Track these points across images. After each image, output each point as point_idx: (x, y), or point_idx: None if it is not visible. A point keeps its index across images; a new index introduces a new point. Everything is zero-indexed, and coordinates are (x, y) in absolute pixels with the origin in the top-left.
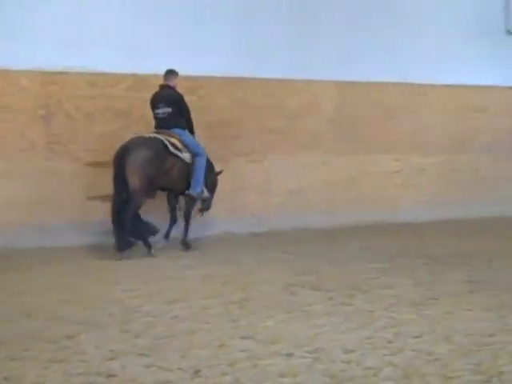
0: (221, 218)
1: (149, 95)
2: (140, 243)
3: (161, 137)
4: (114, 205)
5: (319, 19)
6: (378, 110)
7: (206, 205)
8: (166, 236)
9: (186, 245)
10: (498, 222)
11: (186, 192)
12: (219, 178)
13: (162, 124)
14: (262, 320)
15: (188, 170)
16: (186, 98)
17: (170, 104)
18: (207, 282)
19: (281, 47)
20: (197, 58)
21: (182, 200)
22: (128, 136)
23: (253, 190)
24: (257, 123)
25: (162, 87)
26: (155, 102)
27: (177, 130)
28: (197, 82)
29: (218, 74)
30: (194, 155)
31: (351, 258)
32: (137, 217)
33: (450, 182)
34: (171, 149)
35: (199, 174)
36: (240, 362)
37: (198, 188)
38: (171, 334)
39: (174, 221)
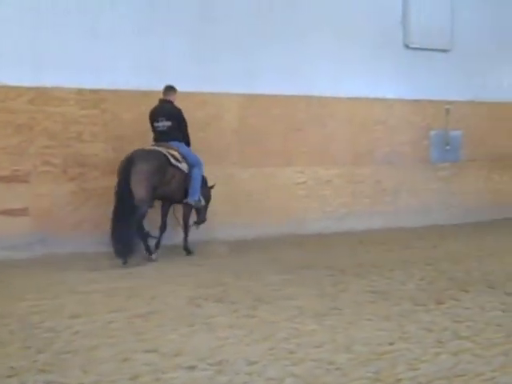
0: None
1: (52, 109)
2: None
3: (161, 149)
4: (116, 213)
5: (224, 32)
6: (284, 123)
7: (201, 217)
8: (157, 246)
9: (188, 250)
10: (398, 232)
11: (184, 200)
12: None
13: (161, 137)
14: (166, 333)
15: (185, 180)
16: (89, 112)
17: (170, 118)
18: (112, 296)
19: (186, 60)
20: (100, 71)
21: (179, 209)
22: (32, 150)
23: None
24: None
25: (162, 102)
26: (155, 116)
27: (175, 143)
28: (99, 95)
29: (121, 88)
30: (191, 166)
31: (256, 269)
32: (139, 225)
33: (354, 193)
34: (172, 160)
35: (196, 183)
36: (143, 376)
37: (195, 196)
38: (73, 349)
39: (164, 229)
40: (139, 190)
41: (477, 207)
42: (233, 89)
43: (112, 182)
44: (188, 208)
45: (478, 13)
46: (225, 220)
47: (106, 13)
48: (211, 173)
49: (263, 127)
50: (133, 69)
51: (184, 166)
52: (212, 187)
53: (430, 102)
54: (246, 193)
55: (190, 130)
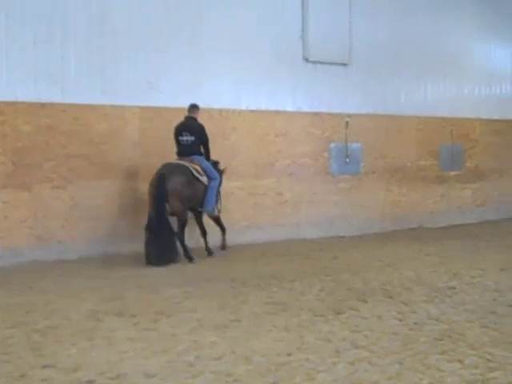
0: (28, 245)
1: None
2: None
3: (186, 164)
4: (151, 224)
5: (124, 44)
6: None
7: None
8: (208, 250)
9: (209, 251)
10: (299, 244)
11: (199, 209)
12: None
13: (185, 150)
14: (65, 348)
15: (205, 192)
16: None
17: (193, 133)
18: (11, 311)
19: (85, 72)
20: None
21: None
22: None
23: (59, 216)
24: (62, 149)
25: (187, 118)
26: (180, 131)
27: (196, 157)
28: None
29: (20, 99)
30: (209, 179)
31: (158, 282)
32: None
33: (256, 205)
34: (196, 174)
35: (211, 194)
36: None
37: (209, 206)
38: None
39: (204, 233)
40: (175, 202)
41: (377, 218)
42: (134, 101)
43: (11, 195)
44: (199, 215)
45: (376, 27)
46: (126, 234)
47: (1, 23)
48: (111, 187)
49: (165, 140)
50: (31, 80)
51: (204, 179)
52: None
53: (330, 114)
54: (147, 206)
55: (91, 142)
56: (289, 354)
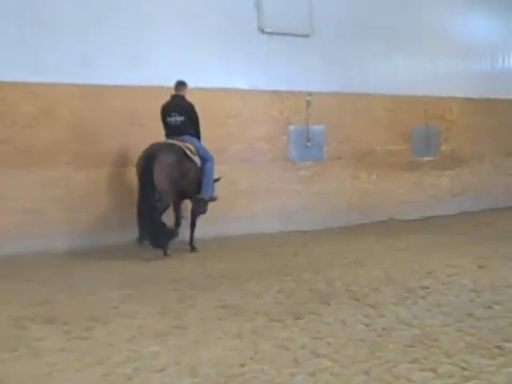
0: None
1: None
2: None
3: (178, 142)
4: (141, 206)
5: (55, 15)
6: (125, 117)
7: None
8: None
9: (192, 247)
10: (256, 239)
11: (198, 195)
12: None
13: (174, 131)
14: None
15: (198, 174)
16: None
17: (183, 113)
18: None
19: (12, 47)
20: None
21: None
22: None
23: None
24: None
25: (174, 97)
26: (168, 111)
27: (187, 137)
28: None
29: None
30: (204, 160)
31: (94, 284)
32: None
33: None
34: (188, 153)
35: (209, 177)
36: None
37: (208, 191)
38: None
39: (179, 224)
40: (161, 182)
41: (342, 210)
42: (66, 78)
43: None
44: (199, 203)
45: None
46: (60, 229)
47: None
48: (39, 174)
49: (102, 122)
50: None
51: (197, 160)
52: (217, 180)
53: (289, 92)
54: (82, 197)
55: (16, 125)
56: (241, 365)
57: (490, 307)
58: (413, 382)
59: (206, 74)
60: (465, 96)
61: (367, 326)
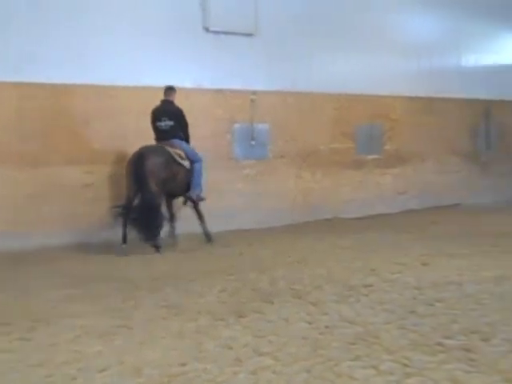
0: None
1: None
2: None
3: (165, 146)
4: (128, 204)
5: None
6: (69, 116)
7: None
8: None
9: (208, 236)
10: (198, 238)
11: (187, 194)
12: None
13: (163, 135)
14: None
15: (188, 175)
16: None
17: (172, 117)
18: None
19: None
20: None
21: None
22: None
23: None
24: None
25: (164, 102)
26: (158, 116)
27: (176, 141)
28: None
29: None
30: (192, 162)
31: (37, 283)
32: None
33: None
34: (176, 158)
35: (197, 178)
36: None
37: (197, 190)
38: None
39: (173, 219)
40: (150, 183)
41: (287, 209)
42: (8, 76)
43: None
44: (189, 200)
45: None
46: (2, 228)
47: None
48: None
49: (45, 121)
50: None
51: (186, 163)
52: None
53: (233, 91)
54: (25, 197)
55: None
56: (184, 364)
57: (432, 304)
58: (355, 380)
59: (151, 73)
60: (408, 95)
61: (310, 323)
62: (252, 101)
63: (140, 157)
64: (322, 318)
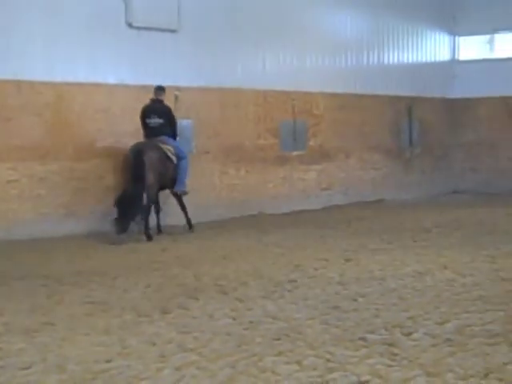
0: None
1: None
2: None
3: (157, 143)
4: (125, 195)
5: None
6: None
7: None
8: (158, 228)
9: (190, 225)
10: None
11: (174, 190)
12: None
13: (153, 132)
14: None
15: (175, 170)
16: None
17: (162, 115)
18: None
19: None
20: None
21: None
22: None
23: None
24: None
25: (153, 101)
26: (148, 113)
27: (165, 138)
28: None
29: None
30: (179, 158)
31: None
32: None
33: (75, 191)
34: (168, 153)
35: (183, 174)
36: None
37: (181, 186)
38: None
39: (158, 211)
40: (149, 176)
41: (211, 205)
42: None
43: None
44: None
45: None
46: None
47: None
48: None
49: None
50: None
51: (174, 159)
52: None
53: None
54: None
55: None
56: (108, 361)
57: (355, 300)
58: (278, 375)
59: (73, 68)
60: (332, 91)
61: (234, 319)
62: (176, 97)
63: (139, 152)
64: (247, 313)
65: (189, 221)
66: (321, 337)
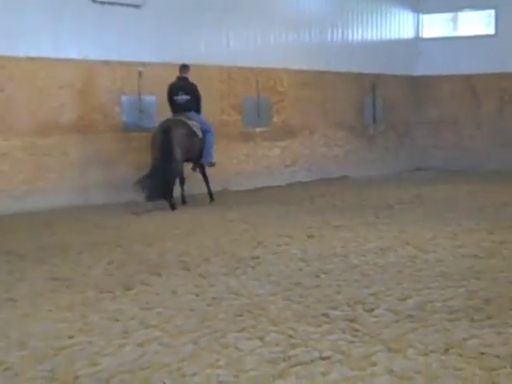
0: None
1: None
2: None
3: (184, 119)
4: (156, 169)
5: None
6: None
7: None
8: (183, 198)
9: (212, 196)
10: (89, 210)
11: (201, 161)
12: None
13: (181, 108)
14: None
15: (201, 144)
16: None
17: (188, 92)
18: None
19: None
20: None
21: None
22: None
23: None
24: None
25: (179, 79)
26: (175, 91)
27: (191, 113)
28: None
29: None
30: (205, 132)
31: None
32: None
33: (38, 167)
34: (194, 129)
35: (209, 147)
36: None
37: (209, 158)
38: None
39: (183, 183)
40: (177, 151)
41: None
42: None
43: None
44: (201, 167)
45: None
46: None
47: None
48: None
49: None
50: None
51: (200, 134)
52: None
53: (121, 63)
54: None
55: None
56: (70, 337)
57: (317, 276)
58: (240, 351)
59: (35, 43)
60: (296, 68)
61: (197, 295)
62: (140, 73)
63: (167, 129)
64: (210, 289)
65: (210, 193)
66: (283, 313)
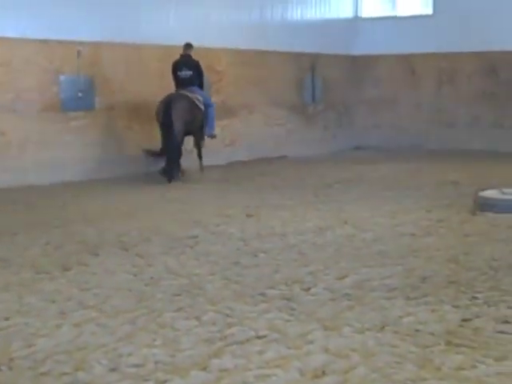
0: None
1: None
2: None
3: (187, 93)
4: (168, 143)
5: None
6: None
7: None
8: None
9: (202, 169)
10: (25, 191)
11: (205, 134)
12: None
13: (184, 83)
14: None
15: (202, 117)
16: None
17: (191, 68)
18: None
19: None
20: None
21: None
22: None
23: None
24: None
25: (183, 56)
26: (178, 67)
27: (194, 88)
28: None
29: None
30: (206, 106)
31: None
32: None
33: None
34: (197, 102)
35: (211, 120)
36: None
37: (211, 130)
38: None
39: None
40: (178, 123)
41: (116, 160)
42: None
43: None
44: (201, 138)
45: None
46: None
47: None
48: None
49: None
50: None
51: (202, 107)
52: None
53: (59, 42)
54: None
55: None
56: (6, 318)
57: (256, 255)
58: (177, 331)
59: None
60: (234, 47)
61: (135, 275)
62: (78, 52)
63: (169, 102)
64: (148, 269)
65: (201, 165)
66: (221, 292)
